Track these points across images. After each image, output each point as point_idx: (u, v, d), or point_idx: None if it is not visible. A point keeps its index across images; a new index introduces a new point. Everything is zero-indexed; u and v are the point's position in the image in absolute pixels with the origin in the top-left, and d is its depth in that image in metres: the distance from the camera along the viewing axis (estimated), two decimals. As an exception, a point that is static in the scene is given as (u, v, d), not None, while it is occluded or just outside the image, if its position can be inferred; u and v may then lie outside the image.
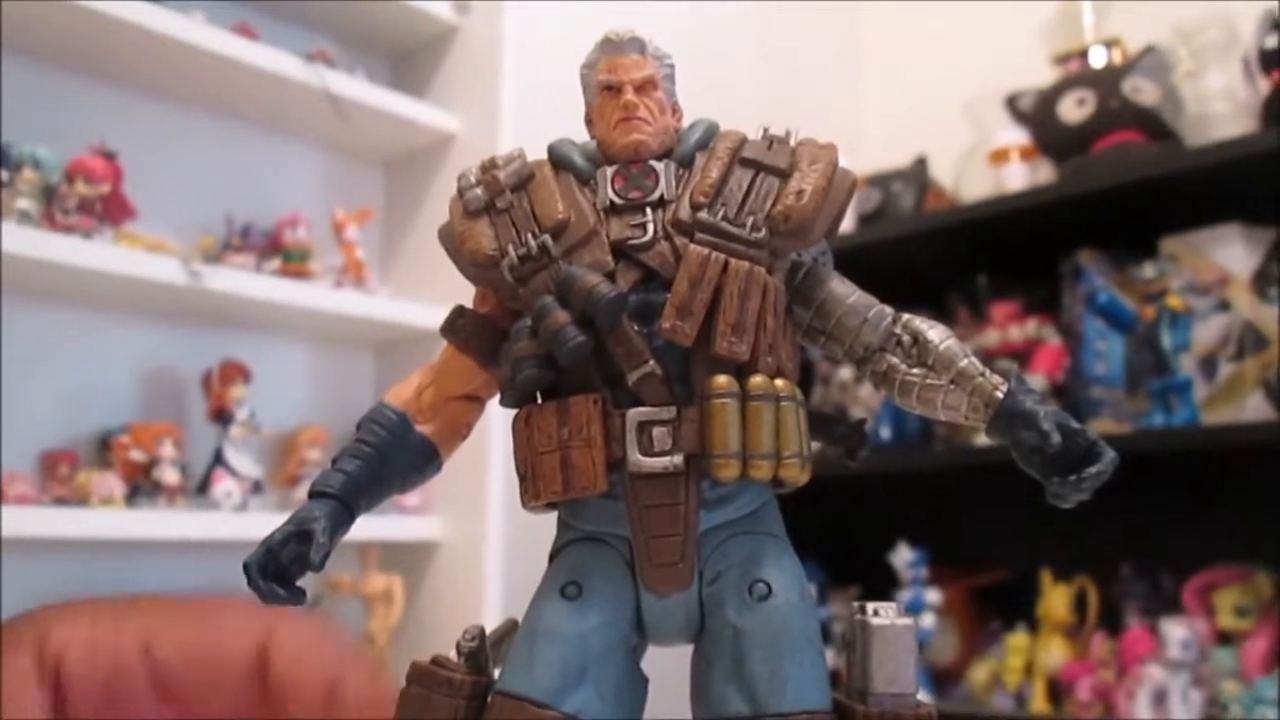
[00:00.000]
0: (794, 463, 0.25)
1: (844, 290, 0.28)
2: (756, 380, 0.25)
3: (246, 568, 0.24)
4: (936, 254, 2.03)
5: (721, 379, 0.25)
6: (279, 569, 0.24)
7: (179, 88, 1.62)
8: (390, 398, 0.28)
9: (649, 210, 0.26)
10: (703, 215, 0.26)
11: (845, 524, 2.00)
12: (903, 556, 1.96)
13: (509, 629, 0.27)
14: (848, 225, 2.03)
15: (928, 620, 1.89)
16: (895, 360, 0.28)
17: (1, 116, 1.43)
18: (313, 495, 0.26)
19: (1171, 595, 1.78)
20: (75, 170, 1.40)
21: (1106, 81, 1.84)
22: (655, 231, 0.26)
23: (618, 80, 0.26)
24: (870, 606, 0.25)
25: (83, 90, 1.58)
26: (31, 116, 1.49)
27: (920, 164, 2.16)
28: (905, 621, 0.24)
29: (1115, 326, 1.81)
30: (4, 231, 1.28)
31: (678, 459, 0.25)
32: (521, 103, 1.70)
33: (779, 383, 0.25)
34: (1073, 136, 1.84)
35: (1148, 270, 1.80)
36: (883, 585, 1.96)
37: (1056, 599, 1.87)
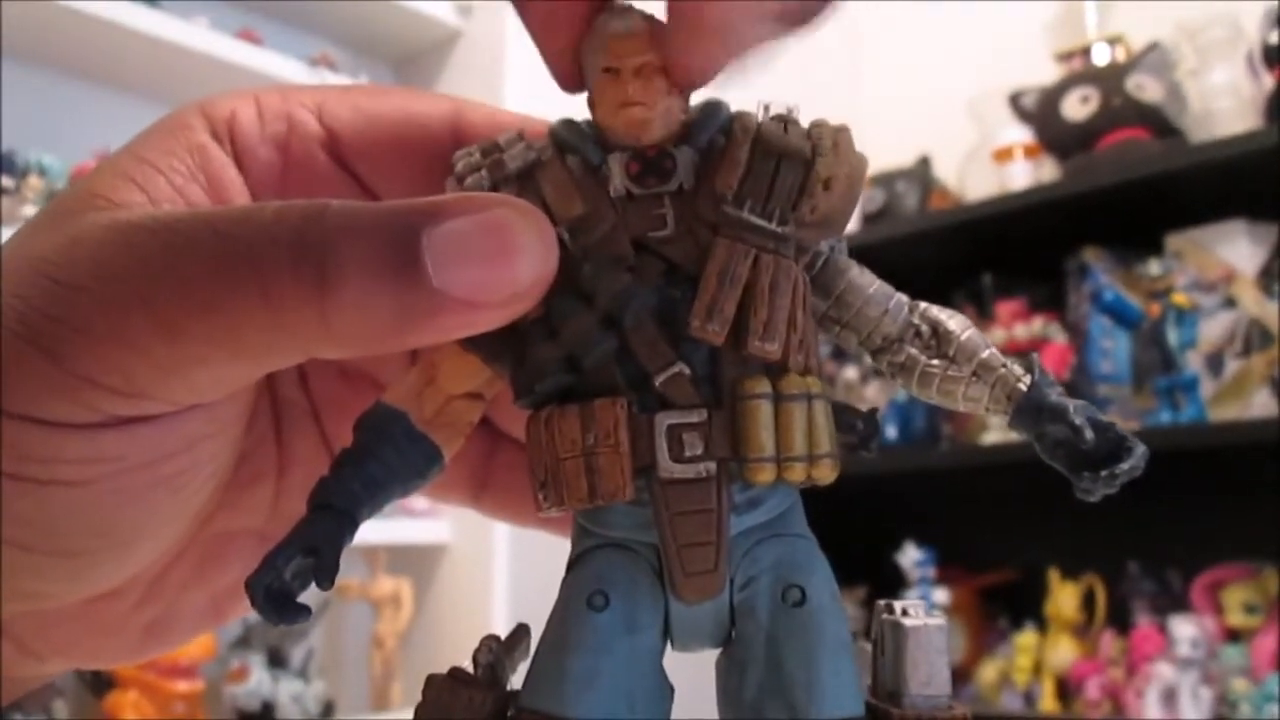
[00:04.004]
0: (826, 462, 0.24)
1: (864, 280, 0.27)
2: (790, 380, 0.24)
3: (250, 587, 0.23)
4: (941, 253, 2.02)
5: (755, 380, 0.24)
6: (282, 587, 0.23)
7: (183, 94, 1.63)
8: (388, 397, 0.26)
9: (667, 200, 0.25)
10: (727, 208, 0.24)
11: (851, 523, 1.99)
12: (910, 556, 1.96)
13: (521, 635, 0.27)
14: (852, 225, 2.03)
15: (935, 620, 1.89)
16: (914, 351, 0.27)
17: (6, 123, 1.43)
18: (314, 507, 0.25)
19: (1180, 593, 1.77)
20: (80, 177, 1.40)
21: (1110, 79, 1.83)
22: (676, 223, 0.25)
23: (618, 64, 0.24)
24: (898, 606, 0.24)
25: (87, 97, 1.58)
26: (36, 123, 1.49)
27: (923, 163, 2.16)
28: (938, 621, 0.23)
29: (1121, 324, 1.81)
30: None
31: (711, 465, 0.24)
32: (524, 106, 1.69)
33: (809, 380, 0.25)
34: (1076, 134, 1.83)
35: (1153, 267, 1.80)
36: (890, 585, 1.96)
37: (1064, 598, 1.87)
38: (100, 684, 1.44)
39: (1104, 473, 0.24)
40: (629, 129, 0.25)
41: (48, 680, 0.32)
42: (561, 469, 0.24)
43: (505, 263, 0.23)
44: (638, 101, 0.24)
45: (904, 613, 0.24)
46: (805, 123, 0.26)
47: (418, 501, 1.65)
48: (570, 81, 0.25)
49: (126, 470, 0.24)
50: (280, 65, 1.58)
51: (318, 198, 0.24)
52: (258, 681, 1.53)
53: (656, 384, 0.24)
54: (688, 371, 0.24)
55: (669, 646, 0.25)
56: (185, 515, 0.28)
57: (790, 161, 0.25)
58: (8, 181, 1.36)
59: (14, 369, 0.22)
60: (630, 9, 0.25)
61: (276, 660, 1.57)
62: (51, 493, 0.23)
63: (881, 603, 0.25)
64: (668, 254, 0.24)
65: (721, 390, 0.24)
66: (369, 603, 1.70)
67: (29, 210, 1.34)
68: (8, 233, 1.29)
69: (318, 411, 0.32)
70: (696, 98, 0.26)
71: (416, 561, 1.74)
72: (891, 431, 1.98)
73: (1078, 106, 1.84)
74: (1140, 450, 0.24)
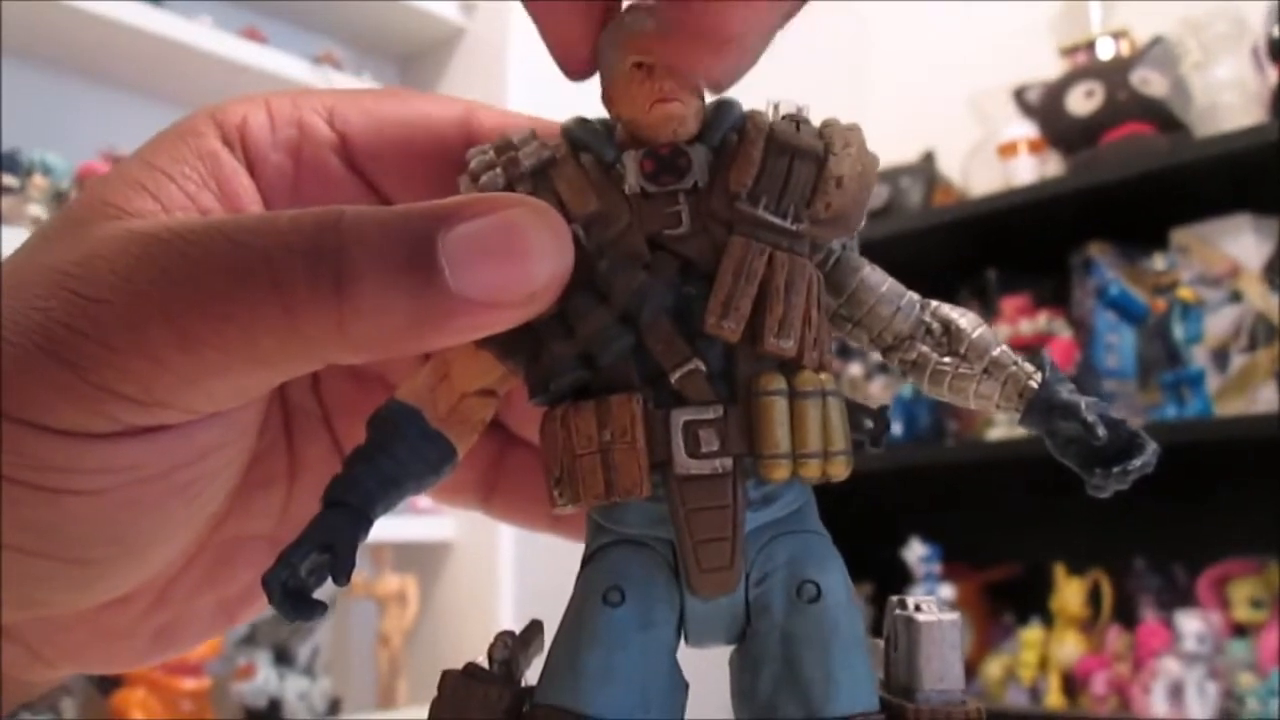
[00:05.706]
0: (841, 459, 0.24)
1: (876, 278, 0.27)
2: (804, 376, 0.24)
3: (267, 585, 0.23)
4: (946, 249, 2.02)
5: (770, 377, 0.24)
6: (298, 584, 0.24)
7: (187, 92, 1.63)
8: (402, 395, 0.26)
9: (682, 198, 0.25)
10: (742, 205, 0.24)
11: (857, 520, 1.98)
12: (915, 552, 1.96)
13: (535, 631, 0.27)
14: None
15: (941, 615, 1.89)
16: (926, 349, 0.27)
17: (9, 122, 1.44)
18: (328, 504, 0.25)
19: (1186, 588, 1.77)
20: (85, 176, 1.40)
21: (1114, 73, 1.83)
22: (691, 221, 0.25)
23: (653, 60, 0.24)
24: (911, 602, 0.24)
25: (91, 96, 1.58)
26: (40, 122, 1.49)
27: (928, 159, 2.15)
28: (951, 617, 0.23)
29: (1126, 319, 1.80)
30: (16, 238, 1.29)
31: (726, 461, 0.24)
32: (528, 104, 1.69)
33: (824, 376, 0.25)
34: (1081, 129, 1.83)
35: (1158, 262, 1.80)
36: (895, 581, 1.96)
37: (1070, 593, 1.87)
38: (107, 682, 1.44)
39: (1116, 469, 0.24)
40: (665, 124, 0.24)
41: (57, 684, 0.32)
42: (578, 465, 0.24)
43: (521, 263, 0.23)
44: (674, 98, 0.24)
45: (917, 608, 0.24)
46: (815, 122, 0.26)
47: (423, 499, 1.65)
48: (580, 68, 0.25)
49: (142, 479, 0.24)
50: (284, 64, 1.58)
51: (330, 203, 0.24)
52: (264, 679, 1.54)
53: (672, 380, 0.24)
54: (703, 368, 0.24)
55: (683, 642, 0.25)
56: (197, 522, 0.28)
57: (803, 159, 0.25)
58: (11, 181, 1.36)
59: (34, 379, 0.22)
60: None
61: (283, 658, 1.57)
62: (66, 501, 0.24)
63: (894, 599, 0.25)
64: (683, 251, 0.24)
65: (737, 387, 0.24)
66: (375, 600, 1.70)
67: (33, 209, 1.35)
68: (10, 231, 1.29)
69: (329, 415, 0.32)
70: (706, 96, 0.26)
71: (422, 559, 1.74)
72: (897, 428, 1.98)
73: (1082, 101, 1.84)
74: (1151, 447, 0.24)
